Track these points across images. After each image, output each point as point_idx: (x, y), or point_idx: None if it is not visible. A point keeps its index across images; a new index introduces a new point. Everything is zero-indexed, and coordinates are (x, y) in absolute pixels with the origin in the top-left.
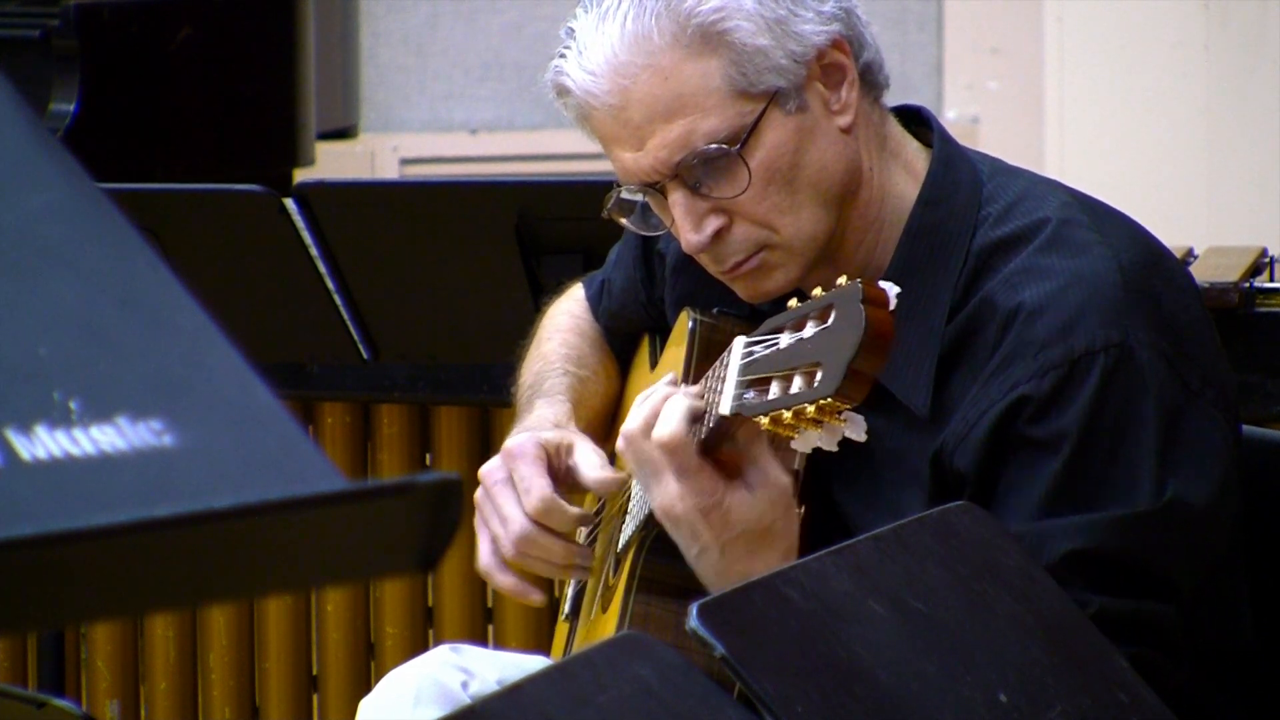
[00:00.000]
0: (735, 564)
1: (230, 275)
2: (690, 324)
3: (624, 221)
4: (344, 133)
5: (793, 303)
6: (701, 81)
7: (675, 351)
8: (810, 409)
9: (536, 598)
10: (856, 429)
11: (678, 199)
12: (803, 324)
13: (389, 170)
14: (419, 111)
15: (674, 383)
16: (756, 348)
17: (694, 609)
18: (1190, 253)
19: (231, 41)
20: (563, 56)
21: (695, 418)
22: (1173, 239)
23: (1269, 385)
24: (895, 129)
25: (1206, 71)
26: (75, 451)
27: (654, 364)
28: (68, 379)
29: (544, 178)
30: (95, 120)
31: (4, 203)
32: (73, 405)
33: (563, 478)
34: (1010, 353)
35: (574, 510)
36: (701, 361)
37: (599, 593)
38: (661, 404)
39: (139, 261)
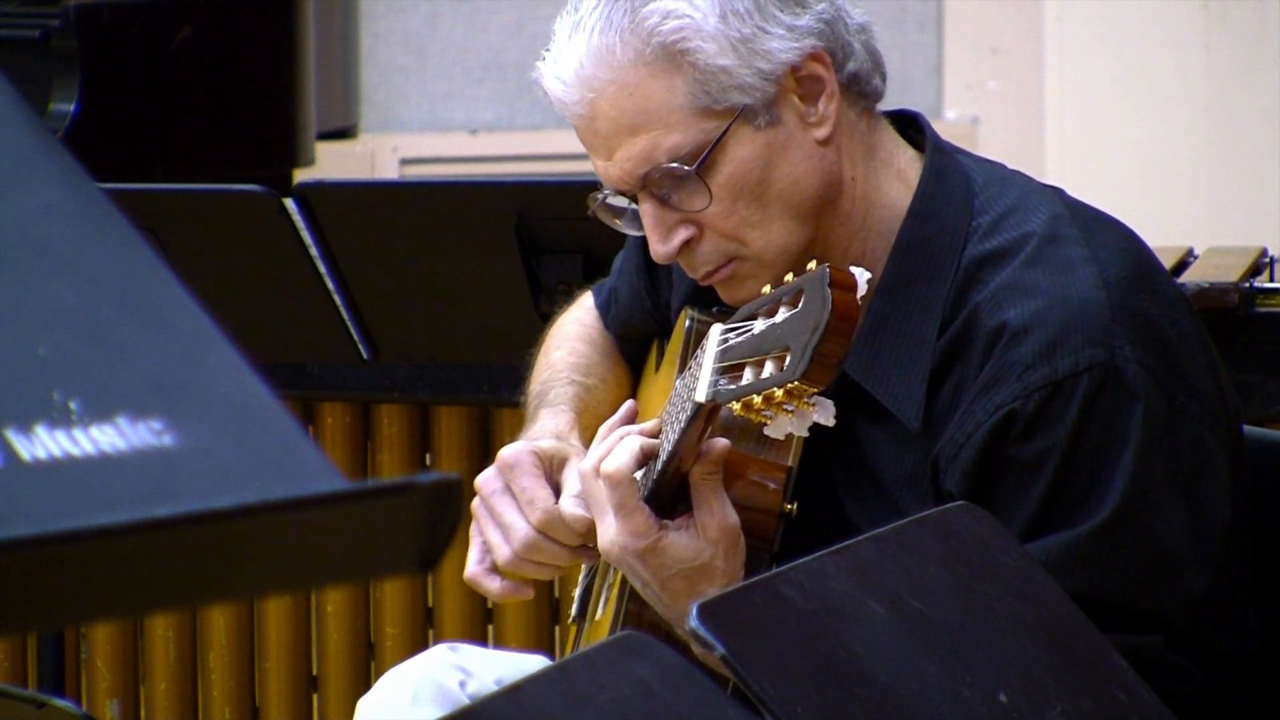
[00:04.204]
0: (678, 600)
1: (230, 275)
2: (687, 323)
3: (617, 223)
4: (344, 133)
5: (767, 288)
6: (665, 98)
7: (674, 352)
8: (779, 393)
9: (527, 592)
10: (825, 414)
11: (647, 209)
12: (775, 309)
13: (389, 170)
14: (419, 111)
15: (631, 415)
16: (731, 335)
17: (694, 609)
18: (1190, 253)
19: (231, 41)
20: (543, 59)
21: (647, 456)
22: (1173, 239)
23: (1269, 385)
24: (887, 136)
25: (1206, 71)
26: (75, 451)
27: (658, 366)
28: (68, 379)
29: (544, 178)
30: (95, 120)
31: (4, 203)
32: (73, 405)
33: (556, 490)
34: (995, 374)
35: (578, 523)
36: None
37: (602, 594)
38: (616, 441)
39: (139, 261)
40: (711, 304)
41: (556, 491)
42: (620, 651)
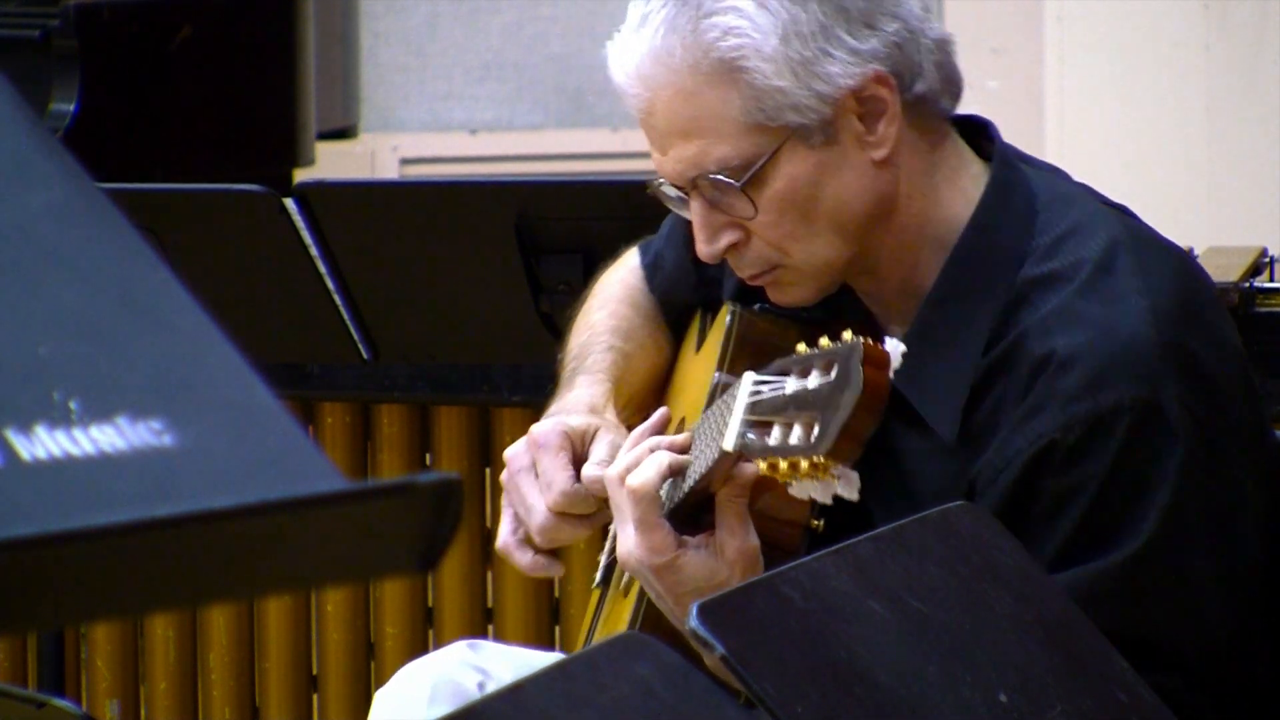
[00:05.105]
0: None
1: (230, 275)
2: (728, 319)
3: (671, 207)
4: (344, 133)
5: (801, 347)
6: (720, 108)
7: (714, 342)
8: (804, 464)
9: (557, 570)
10: (849, 487)
11: (696, 208)
12: (808, 371)
13: (389, 170)
14: (419, 111)
15: (663, 424)
16: (764, 388)
17: (694, 609)
18: (1190, 253)
19: (231, 41)
20: (613, 41)
21: (674, 472)
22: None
23: (1269, 385)
24: (953, 153)
25: (1206, 71)
26: (75, 451)
27: (699, 347)
28: (68, 379)
29: (544, 178)
30: (95, 120)
31: (4, 203)
32: (73, 405)
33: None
34: (1038, 402)
35: (594, 484)
36: (735, 358)
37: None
38: (645, 453)
39: (139, 261)
40: (754, 300)
41: (582, 467)
42: (620, 651)
